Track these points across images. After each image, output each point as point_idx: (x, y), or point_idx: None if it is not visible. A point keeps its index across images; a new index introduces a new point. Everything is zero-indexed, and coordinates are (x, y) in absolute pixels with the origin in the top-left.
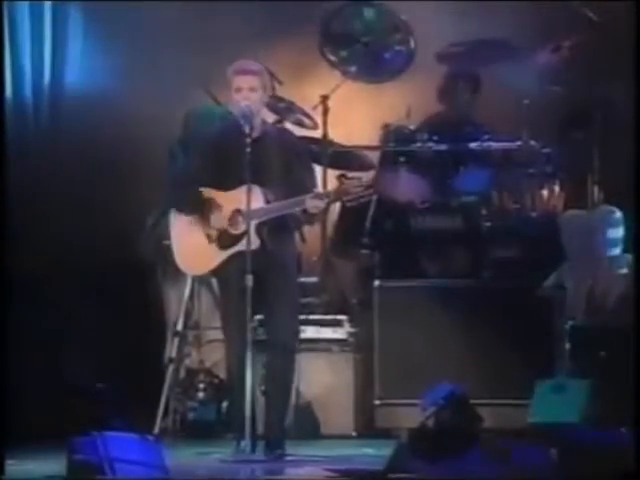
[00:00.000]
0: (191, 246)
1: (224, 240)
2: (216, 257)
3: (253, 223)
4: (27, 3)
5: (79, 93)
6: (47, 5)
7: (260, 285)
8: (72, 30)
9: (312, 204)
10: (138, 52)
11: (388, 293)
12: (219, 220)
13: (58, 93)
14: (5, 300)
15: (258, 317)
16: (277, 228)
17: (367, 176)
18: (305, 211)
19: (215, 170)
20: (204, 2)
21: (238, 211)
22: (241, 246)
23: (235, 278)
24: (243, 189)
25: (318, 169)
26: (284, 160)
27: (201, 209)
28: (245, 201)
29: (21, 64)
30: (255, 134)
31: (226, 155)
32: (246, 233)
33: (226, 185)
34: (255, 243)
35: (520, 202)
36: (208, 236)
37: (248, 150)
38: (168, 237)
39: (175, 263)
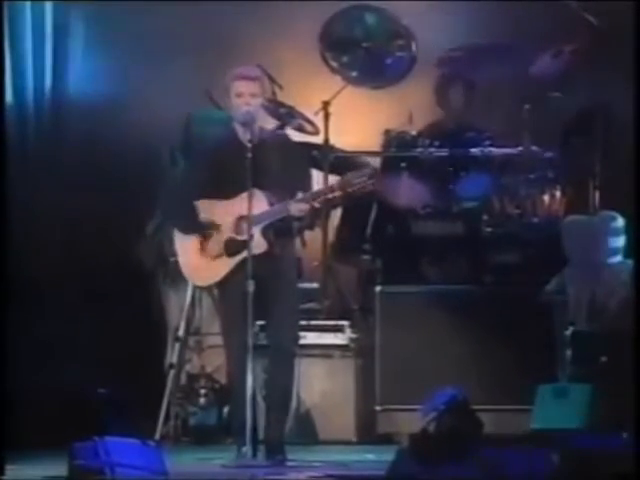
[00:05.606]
0: (198, 260)
1: (232, 247)
2: (225, 265)
3: (259, 227)
4: (28, 4)
5: (80, 96)
6: (48, 7)
7: (260, 290)
8: (74, 33)
9: (296, 208)
10: (139, 55)
11: (389, 299)
12: (216, 246)
13: (59, 96)
14: (6, 305)
15: (259, 322)
16: (280, 233)
17: (369, 167)
18: (291, 216)
19: (216, 180)
20: (206, 6)
21: (243, 217)
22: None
23: (236, 284)
24: (245, 195)
25: (320, 175)
26: (283, 164)
27: (200, 231)
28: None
29: (22, 67)
30: (255, 140)
31: (227, 164)
32: (252, 238)
33: (228, 193)
34: (262, 247)
35: (521, 207)
36: (212, 256)
37: (249, 156)
38: (174, 254)
39: (176, 269)
